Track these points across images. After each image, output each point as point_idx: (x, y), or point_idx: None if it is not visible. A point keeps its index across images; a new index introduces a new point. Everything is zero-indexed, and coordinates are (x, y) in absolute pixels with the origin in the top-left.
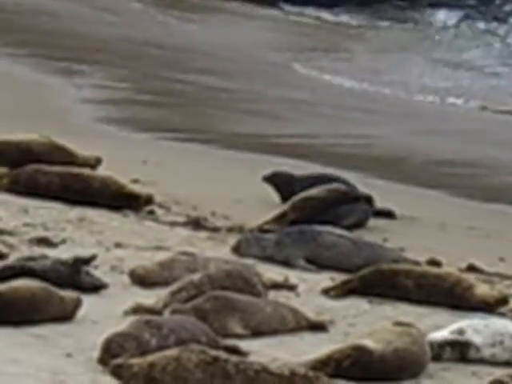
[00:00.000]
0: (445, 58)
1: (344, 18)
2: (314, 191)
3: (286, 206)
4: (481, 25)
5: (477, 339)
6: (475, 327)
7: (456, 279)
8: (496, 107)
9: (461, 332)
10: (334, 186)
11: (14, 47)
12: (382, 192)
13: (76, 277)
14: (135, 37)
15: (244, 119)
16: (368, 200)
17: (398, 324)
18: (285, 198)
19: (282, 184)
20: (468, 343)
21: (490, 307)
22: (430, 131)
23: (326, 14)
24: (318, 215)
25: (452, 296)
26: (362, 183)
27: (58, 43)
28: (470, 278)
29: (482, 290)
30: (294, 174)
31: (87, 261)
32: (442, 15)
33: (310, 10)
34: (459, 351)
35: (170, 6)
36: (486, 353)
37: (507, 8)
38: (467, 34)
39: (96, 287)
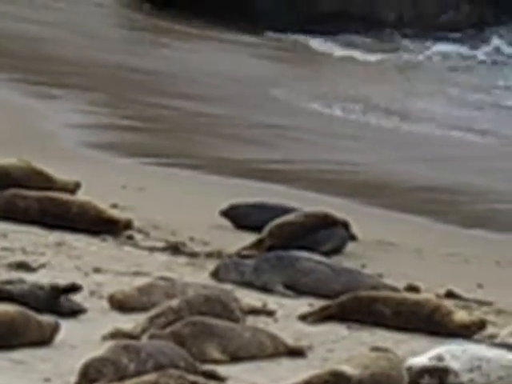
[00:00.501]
0: (427, 87)
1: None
2: (291, 216)
3: (263, 232)
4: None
5: (455, 365)
6: (453, 353)
7: (435, 306)
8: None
9: (440, 358)
10: (312, 210)
11: None
12: (359, 217)
13: (54, 301)
14: (116, 62)
15: (225, 145)
16: (345, 225)
17: (376, 349)
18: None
19: (237, 216)
20: (447, 369)
21: (468, 332)
22: (411, 158)
23: (314, 43)
24: (295, 241)
25: (430, 322)
26: (340, 208)
27: (38, 67)
28: (449, 304)
29: (460, 315)
30: (250, 204)
31: (67, 290)
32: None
33: (296, 37)
34: (438, 377)
35: (151, 32)
36: (465, 378)
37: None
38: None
39: (74, 312)
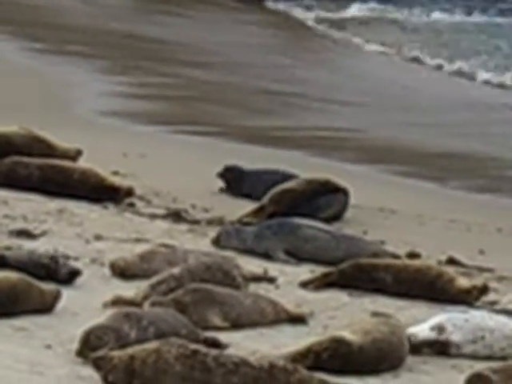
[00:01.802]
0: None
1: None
2: (292, 183)
3: (264, 199)
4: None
5: (457, 337)
6: (455, 322)
7: (437, 272)
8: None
9: (441, 329)
10: (313, 177)
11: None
12: (362, 181)
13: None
14: (120, 30)
15: (230, 112)
16: (345, 192)
17: (377, 315)
18: (235, 193)
19: (232, 179)
20: (448, 342)
21: (470, 298)
22: (417, 123)
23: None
24: (296, 207)
25: (433, 289)
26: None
27: (48, 35)
28: (450, 271)
29: (463, 282)
30: (244, 168)
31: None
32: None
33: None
34: (439, 349)
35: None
36: (467, 350)
37: None
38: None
39: (72, 273)
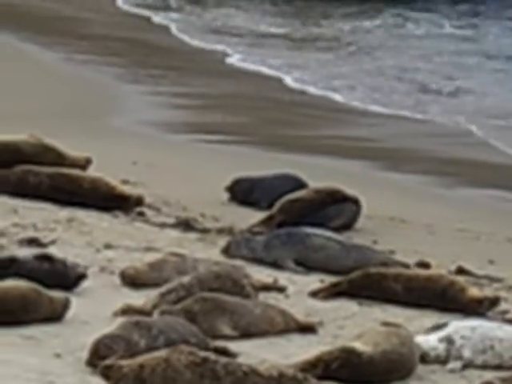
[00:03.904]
0: None
1: None
2: (301, 193)
3: (273, 209)
4: None
5: (467, 351)
6: (462, 333)
7: (449, 281)
8: None
9: (450, 341)
10: (322, 186)
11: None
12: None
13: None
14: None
15: (236, 118)
16: (355, 201)
17: (386, 325)
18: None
19: (240, 192)
20: (460, 356)
21: (481, 308)
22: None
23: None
24: (305, 217)
25: (444, 298)
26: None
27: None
28: (461, 280)
29: (474, 292)
30: (253, 178)
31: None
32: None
33: None
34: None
35: None
36: (478, 360)
37: None
38: None
39: (80, 277)
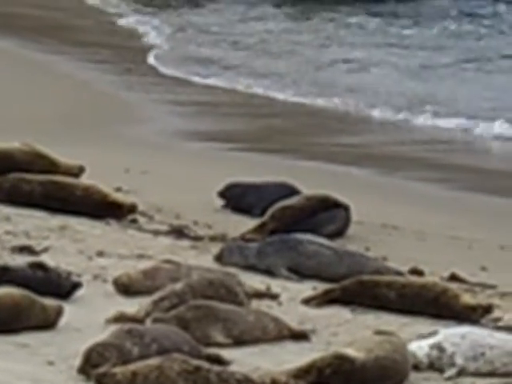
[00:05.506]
0: None
1: None
2: (292, 200)
3: (265, 216)
4: None
5: (459, 359)
6: (452, 340)
7: (442, 288)
8: None
9: (441, 349)
10: (313, 193)
11: None
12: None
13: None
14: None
15: (230, 123)
16: (346, 208)
17: (379, 332)
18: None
19: (233, 197)
20: (453, 363)
21: (474, 315)
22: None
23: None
24: (297, 224)
25: (437, 305)
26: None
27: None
28: (454, 287)
29: (467, 299)
30: (246, 183)
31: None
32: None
33: None
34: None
35: None
36: (471, 368)
37: None
38: None
39: (74, 286)
